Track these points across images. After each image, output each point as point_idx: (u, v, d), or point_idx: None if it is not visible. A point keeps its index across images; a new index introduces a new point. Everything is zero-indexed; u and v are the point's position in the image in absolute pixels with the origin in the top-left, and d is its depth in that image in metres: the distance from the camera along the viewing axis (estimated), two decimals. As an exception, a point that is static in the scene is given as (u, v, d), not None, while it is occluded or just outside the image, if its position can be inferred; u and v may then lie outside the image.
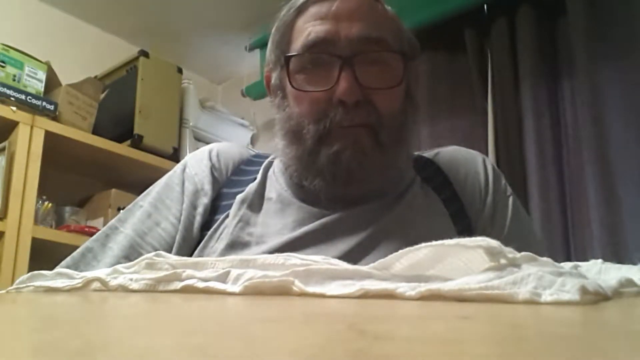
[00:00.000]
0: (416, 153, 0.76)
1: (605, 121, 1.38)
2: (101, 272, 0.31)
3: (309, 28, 0.66)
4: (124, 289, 0.26)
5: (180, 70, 1.99)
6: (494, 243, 0.23)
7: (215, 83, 2.54)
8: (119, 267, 0.30)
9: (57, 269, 0.31)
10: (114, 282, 0.27)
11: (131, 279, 0.26)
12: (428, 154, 0.77)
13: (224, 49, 2.26)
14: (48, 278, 0.29)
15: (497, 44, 1.61)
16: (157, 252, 0.30)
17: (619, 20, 1.42)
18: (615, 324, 0.18)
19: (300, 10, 0.68)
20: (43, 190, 1.61)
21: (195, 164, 0.73)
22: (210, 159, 0.73)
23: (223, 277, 0.25)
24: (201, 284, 0.25)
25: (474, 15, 1.65)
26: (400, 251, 0.25)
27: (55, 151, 1.62)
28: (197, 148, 2.19)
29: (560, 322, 0.17)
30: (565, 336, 0.15)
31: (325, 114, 0.63)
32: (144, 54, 1.88)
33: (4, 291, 0.30)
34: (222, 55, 2.31)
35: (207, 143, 2.06)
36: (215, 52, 2.30)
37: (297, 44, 0.67)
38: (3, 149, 1.54)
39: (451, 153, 0.76)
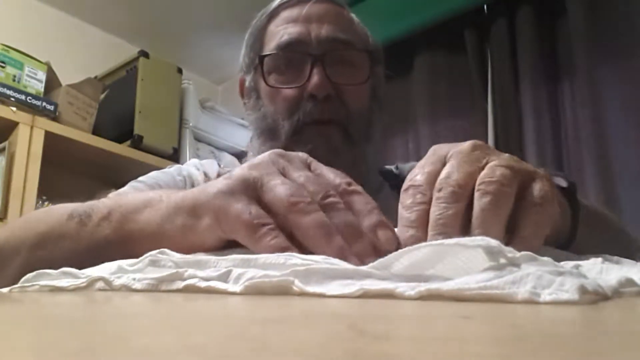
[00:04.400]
0: (379, 167, 0.82)
1: (605, 121, 1.38)
2: (107, 268, 0.31)
3: (281, 31, 0.71)
4: (127, 288, 0.26)
5: (180, 71, 1.99)
6: (493, 242, 0.23)
7: (215, 83, 2.55)
8: (123, 264, 0.30)
9: (63, 268, 0.31)
10: (117, 282, 0.27)
11: (134, 279, 0.27)
12: (388, 167, 0.82)
13: (224, 49, 2.26)
14: (53, 277, 0.29)
15: (497, 44, 1.61)
16: (161, 249, 0.30)
17: (619, 20, 1.42)
18: (617, 324, 0.18)
19: (272, 16, 0.73)
20: (43, 190, 1.61)
21: (187, 166, 0.78)
22: (197, 166, 0.78)
23: (224, 277, 0.25)
24: (203, 284, 0.25)
25: (474, 15, 1.65)
26: (400, 250, 0.25)
27: (55, 151, 1.62)
28: (197, 148, 2.19)
29: (562, 322, 0.17)
30: (567, 336, 0.15)
31: (297, 107, 0.67)
32: (144, 54, 1.88)
33: (6, 289, 0.30)
34: (222, 55, 2.31)
35: (207, 143, 2.08)
36: (215, 52, 2.30)
37: (270, 46, 0.71)
38: (3, 150, 1.54)
39: (411, 167, 0.82)
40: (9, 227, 0.52)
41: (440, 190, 0.33)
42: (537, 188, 0.34)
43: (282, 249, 0.30)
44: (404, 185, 0.36)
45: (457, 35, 1.68)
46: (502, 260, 0.23)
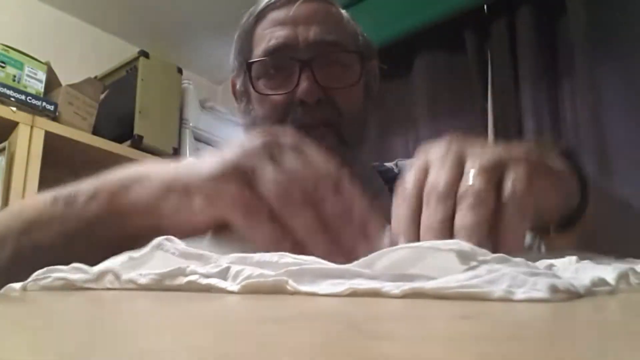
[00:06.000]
0: (376, 163, 0.80)
1: (605, 121, 1.38)
2: (117, 261, 0.31)
3: (268, 35, 0.69)
4: (132, 282, 0.27)
5: (180, 71, 1.99)
6: (466, 247, 0.25)
7: (215, 83, 2.55)
8: (133, 254, 0.31)
9: (73, 264, 0.31)
10: (125, 277, 0.28)
11: (140, 274, 0.28)
12: (388, 164, 0.80)
13: (224, 49, 2.26)
14: (65, 271, 0.30)
15: (497, 44, 1.61)
16: (168, 236, 0.31)
17: (619, 20, 1.42)
18: (617, 324, 0.18)
19: (259, 18, 0.71)
20: (43, 191, 1.60)
21: None
22: None
23: (223, 274, 0.26)
24: (203, 280, 0.26)
25: (474, 15, 1.65)
26: (380, 251, 0.27)
27: (56, 151, 1.62)
28: (197, 148, 2.19)
29: (561, 321, 0.18)
30: (566, 335, 0.15)
31: (287, 113, 0.66)
32: (144, 54, 1.88)
33: (18, 286, 0.30)
34: (222, 55, 2.31)
35: (207, 143, 2.08)
36: (215, 52, 2.30)
37: (258, 50, 0.70)
38: (3, 150, 1.54)
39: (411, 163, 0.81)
40: None
41: (429, 196, 0.35)
42: (512, 179, 0.35)
43: (277, 241, 0.33)
44: (401, 187, 0.38)
45: (457, 35, 1.68)
46: (474, 263, 0.24)
